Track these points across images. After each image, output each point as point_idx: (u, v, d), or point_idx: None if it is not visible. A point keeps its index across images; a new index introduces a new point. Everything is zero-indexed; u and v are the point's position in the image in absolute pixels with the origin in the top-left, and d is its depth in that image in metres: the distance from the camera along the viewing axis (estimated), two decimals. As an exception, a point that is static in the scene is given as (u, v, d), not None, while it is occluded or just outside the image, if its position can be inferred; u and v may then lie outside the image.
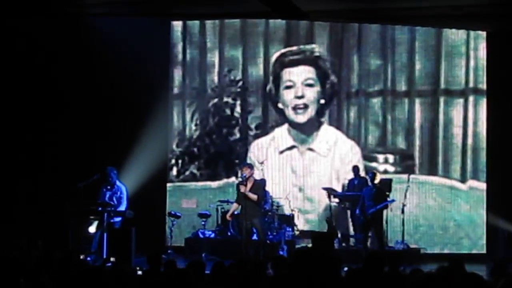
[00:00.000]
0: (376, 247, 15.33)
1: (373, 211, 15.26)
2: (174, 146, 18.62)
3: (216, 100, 18.58)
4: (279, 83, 18.31)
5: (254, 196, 14.60)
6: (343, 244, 16.76)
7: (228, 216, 15.30)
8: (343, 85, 18.13)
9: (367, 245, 15.57)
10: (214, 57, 18.55)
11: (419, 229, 17.48)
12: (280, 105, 18.30)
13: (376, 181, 15.44)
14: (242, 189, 14.66)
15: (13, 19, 17.16)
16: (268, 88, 18.34)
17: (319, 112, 18.13)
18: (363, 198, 15.52)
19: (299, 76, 18.21)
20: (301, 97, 18.18)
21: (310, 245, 15.36)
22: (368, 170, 17.05)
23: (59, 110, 17.76)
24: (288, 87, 18.25)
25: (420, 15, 16.71)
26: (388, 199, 15.67)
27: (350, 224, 17.17)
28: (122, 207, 15.57)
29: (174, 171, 18.57)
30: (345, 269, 8.37)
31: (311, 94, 18.15)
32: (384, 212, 15.61)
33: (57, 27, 17.52)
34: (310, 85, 18.16)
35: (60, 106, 17.76)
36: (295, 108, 18.21)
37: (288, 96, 18.24)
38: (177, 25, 18.62)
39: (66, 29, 17.59)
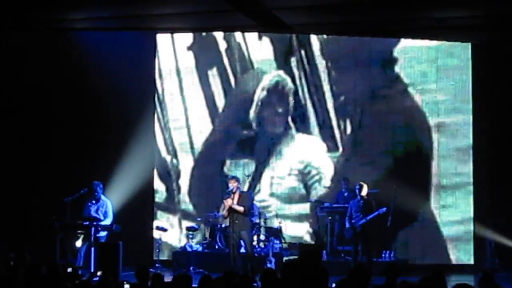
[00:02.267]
0: (364, 259, 15.30)
1: (362, 222, 15.23)
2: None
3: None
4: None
5: (240, 208, 14.63)
6: (332, 256, 16.74)
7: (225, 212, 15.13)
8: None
9: (356, 257, 15.51)
10: (201, 70, 18.53)
11: (407, 240, 17.46)
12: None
13: (363, 193, 15.40)
14: (229, 202, 14.68)
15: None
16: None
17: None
18: (350, 210, 15.48)
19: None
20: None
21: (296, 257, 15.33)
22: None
23: (46, 124, 17.73)
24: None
25: (405, 27, 16.77)
26: (375, 210, 15.55)
27: (339, 236, 17.12)
28: (108, 221, 15.57)
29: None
30: (333, 285, 8.35)
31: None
32: (372, 223, 15.53)
33: (42, 42, 17.55)
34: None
35: (47, 121, 17.74)
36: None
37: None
38: (163, 38, 18.60)
39: (50, 43, 17.62)
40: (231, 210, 14.65)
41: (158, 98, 18.49)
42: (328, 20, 16.49)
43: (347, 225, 15.54)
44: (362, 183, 15.66)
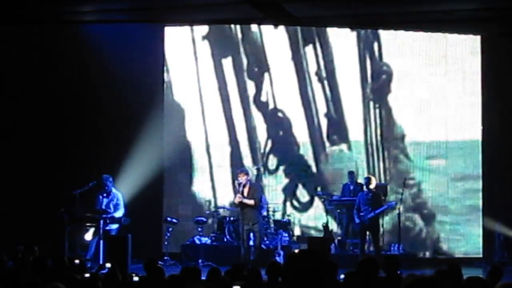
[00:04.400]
0: (373, 252, 15.29)
1: (371, 216, 15.17)
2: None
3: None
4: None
5: (251, 202, 14.63)
6: (340, 249, 16.72)
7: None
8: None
9: (364, 250, 15.48)
10: (208, 63, 18.49)
11: (416, 233, 17.44)
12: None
13: (372, 186, 15.34)
14: (239, 198, 14.65)
15: (7, 25, 17.17)
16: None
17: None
18: (358, 203, 15.42)
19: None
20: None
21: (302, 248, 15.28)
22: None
23: (54, 117, 17.75)
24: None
25: (413, 20, 16.72)
26: (384, 204, 15.53)
27: (347, 229, 17.11)
28: (120, 214, 15.59)
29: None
30: (342, 276, 8.33)
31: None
32: (381, 216, 15.52)
33: (52, 35, 17.57)
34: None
35: (55, 114, 17.76)
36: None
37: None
38: (171, 30, 18.56)
39: (60, 36, 17.63)
40: (241, 203, 14.66)
41: (168, 90, 18.47)
42: (336, 13, 16.47)
43: (356, 218, 15.46)
44: (370, 176, 15.66)
